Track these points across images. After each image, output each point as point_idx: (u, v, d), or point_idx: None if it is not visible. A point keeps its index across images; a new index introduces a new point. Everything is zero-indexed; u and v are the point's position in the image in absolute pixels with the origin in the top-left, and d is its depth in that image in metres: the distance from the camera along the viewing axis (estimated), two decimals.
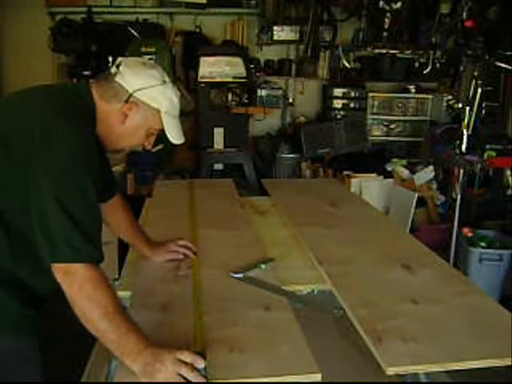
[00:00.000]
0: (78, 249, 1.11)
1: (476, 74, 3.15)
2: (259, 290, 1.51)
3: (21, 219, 1.18)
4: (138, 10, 4.76)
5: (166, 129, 1.32)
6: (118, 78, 1.27)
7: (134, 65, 1.30)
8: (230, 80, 4.25)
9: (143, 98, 1.27)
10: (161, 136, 1.37)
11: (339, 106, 4.84)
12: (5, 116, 1.24)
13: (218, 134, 4.33)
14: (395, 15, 4.02)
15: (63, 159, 1.13)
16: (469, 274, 3.14)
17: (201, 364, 1.09)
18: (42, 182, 1.11)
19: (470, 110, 3.16)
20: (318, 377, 1.12)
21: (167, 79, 1.32)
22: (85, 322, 1.10)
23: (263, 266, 1.66)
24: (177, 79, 4.45)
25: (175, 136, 1.35)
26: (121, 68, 1.28)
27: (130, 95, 1.27)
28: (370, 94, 4.92)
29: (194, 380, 1.07)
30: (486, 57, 3.20)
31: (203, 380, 1.07)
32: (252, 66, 4.53)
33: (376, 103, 4.97)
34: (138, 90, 1.27)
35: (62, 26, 4.49)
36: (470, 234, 3.35)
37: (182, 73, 4.79)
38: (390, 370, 1.13)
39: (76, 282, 1.10)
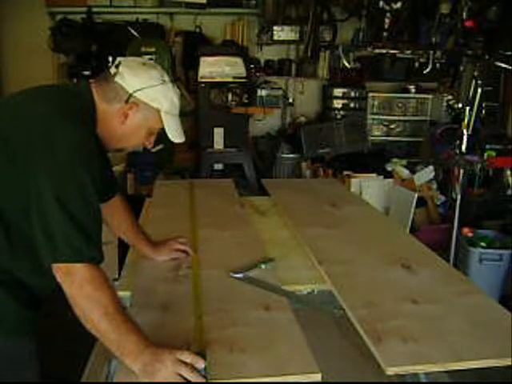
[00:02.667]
0: (78, 249, 1.11)
1: (476, 73, 3.14)
2: (259, 289, 1.51)
3: (21, 219, 1.18)
4: (138, 9, 4.75)
5: (166, 128, 1.33)
6: (117, 79, 1.28)
7: (134, 65, 1.30)
8: (230, 80, 4.25)
9: (143, 98, 1.28)
10: (161, 136, 1.37)
11: (339, 105, 4.84)
12: (5, 117, 1.24)
13: (218, 134, 4.33)
14: (395, 15, 4.01)
15: (63, 159, 1.13)
16: (469, 274, 3.14)
17: (201, 364, 1.09)
18: (42, 183, 1.11)
19: (470, 109, 3.15)
20: (317, 377, 1.12)
21: (167, 79, 1.32)
22: (85, 321, 1.10)
23: (263, 266, 1.66)
24: (177, 79, 4.45)
25: (175, 135, 1.35)
26: (120, 68, 1.28)
27: (130, 95, 1.27)
28: (370, 94, 4.92)
29: (193, 380, 1.07)
30: (486, 57, 3.20)
31: (203, 380, 1.08)
32: (252, 65, 4.53)
33: (376, 103, 4.97)
34: (138, 90, 1.27)
35: (62, 26, 4.49)
36: (470, 234, 3.35)
37: (182, 73, 4.79)
38: (390, 370, 1.13)
39: (76, 282, 1.10)
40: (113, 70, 1.29)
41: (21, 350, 1.27)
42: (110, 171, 1.57)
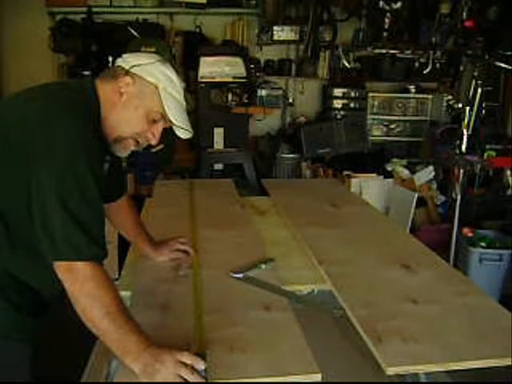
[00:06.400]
0: (78, 247, 1.10)
1: (476, 74, 3.14)
2: (259, 290, 1.51)
3: (21, 218, 1.18)
4: (137, 9, 4.75)
5: (166, 109, 1.28)
6: (119, 61, 1.31)
7: (137, 52, 1.38)
8: (230, 80, 4.24)
9: (139, 72, 1.27)
10: (161, 136, 1.35)
11: (339, 106, 4.84)
12: (7, 116, 1.24)
13: (218, 134, 4.33)
14: (395, 15, 4.01)
15: (63, 157, 1.12)
16: (469, 274, 3.14)
17: (201, 366, 1.09)
18: (42, 181, 1.11)
19: (470, 110, 3.16)
20: (318, 377, 1.12)
21: (167, 62, 1.33)
22: (85, 320, 1.10)
23: (263, 266, 1.66)
24: None
25: (179, 119, 1.29)
26: (124, 55, 1.33)
27: (127, 71, 1.27)
28: (370, 94, 4.92)
29: (193, 381, 1.06)
30: (486, 57, 3.20)
31: (203, 381, 1.07)
32: (252, 65, 4.52)
33: (376, 103, 4.97)
34: (135, 65, 1.27)
35: (62, 26, 4.49)
36: (470, 234, 3.36)
37: (182, 73, 4.78)
38: (390, 370, 1.13)
39: (78, 281, 1.10)
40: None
41: (12, 356, 1.26)
42: (120, 171, 1.56)
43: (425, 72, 4.13)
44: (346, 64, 4.55)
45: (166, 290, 1.50)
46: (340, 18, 4.58)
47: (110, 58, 4.14)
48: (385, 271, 1.65)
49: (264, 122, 4.79)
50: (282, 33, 4.62)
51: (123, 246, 1.89)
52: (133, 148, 1.33)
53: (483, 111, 3.32)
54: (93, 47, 4.51)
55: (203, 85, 4.26)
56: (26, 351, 1.28)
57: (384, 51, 4.10)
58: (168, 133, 1.36)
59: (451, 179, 3.37)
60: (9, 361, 1.25)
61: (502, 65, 3.27)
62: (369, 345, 1.23)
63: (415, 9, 4.13)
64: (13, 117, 1.22)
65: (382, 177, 4.12)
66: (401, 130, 5.00)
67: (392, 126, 4.99)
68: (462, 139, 3.20)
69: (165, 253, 1.71)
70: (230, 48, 4.51)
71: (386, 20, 4.03)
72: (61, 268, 1.12)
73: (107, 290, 1.11)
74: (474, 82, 3.13)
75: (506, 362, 1.17)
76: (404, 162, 4.36)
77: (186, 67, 4.76)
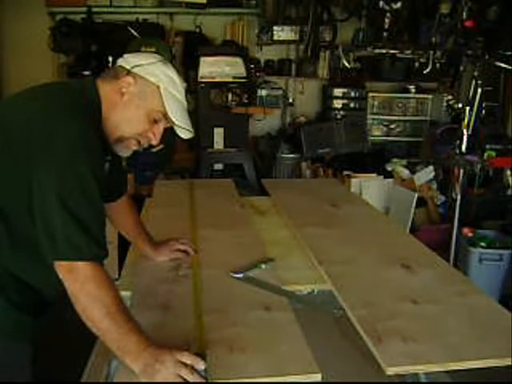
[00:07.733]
0: (79, 247, 1.10)
1: (476, 73, 3.15)
2: (259, 290, 1.51)
3: (23, 218, 1.18)
4: (138, 9, 4.75)
5: (167, 109, 1.28)
6: (119, 61, 1.31)
7: (137, 52, 1.40)
8: (230, 80, 4.24)
9: (141, 72, 1.27)
10: (161, 136, 1.35)
11: (339, 106, 4.84)
12: (8, 116, 1.24)
13: (218, 134, 4.33)
14: (395, 15, 4.01)
15: (64, 156, 1.12)
16: (469, 274, 3.14)
17: (201, 366, 1.09)
18: (42, 180, 1.11)
19: (470, 110, 3.16)
20: (318, 377, 1.12)
21: (168, 63, 1.33)
22: (86, 319, 1.10)
23: (263, 266, 1.66)
24: None
25: (180, 119, 1.30)
26: (124, 55, 1.33)
27: (129, 71, 1.27)
28: (370, 94, 4.92)
29: (193, 381, 1.06)
30: (486, 57, 3.20)
31: (203, 381, 1.07)
32: (252, 65, 4.52)
33: (376, 103, 4.97)
34: (137, 66, 1.28)
35: (62, 26, 4.48)
36: (470, 234, 3.36)
37: (182, 73, 4.78)
38: (390, 370, 1.13)
39: (78, 280, 1.10)
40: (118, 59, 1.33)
41: (12, 356, 1.26)
42: (120, 171, 1.56)
43: (425, 72, 4.13)
44: (346, 64, 4.55)
45: (166, 290, 1.50)
46: (340, 18, 4.58)
47: (110, 58, 4.14)
48: (385, 271, 1.65)
49: (264, 122, 4.79)
50: (282, 33, 4.62)
51: (123, 245, 1.89)
52: (134, 148, 1.34)
53: (483, 111, 3.33)
54: (93, 47, 4.50)
55: (203, 85, 4.26)
56: (27, 351, 1.28)
57: (384, 51, 4.10)
58: (168, 133, 1.36)
59: (451, 179, 3.37)
60: (9, 361, 1.25)
61: (502, 65, 3.27)
62: (369, 345, 1.23)
63: (415, 9, 4.13)
64: (13, 117, 1.22)
65: (382, 177, 4.12)
66: (401, 130, 5.00)
67: (392, 126, 4.99)
68: (462, 139, 3.20)
69: (165, 253, 1.71)
70: (229, 48, 4.51)
71: (386, 20, 4.03)
72: (61, 268, 1.12)
73: (107, 289, 1.11)
74: (474, 81, 3.14)
75: (506, 362, 1.17)
76: (404, 161, 4.36)
77: (186, 67, 4.76)
